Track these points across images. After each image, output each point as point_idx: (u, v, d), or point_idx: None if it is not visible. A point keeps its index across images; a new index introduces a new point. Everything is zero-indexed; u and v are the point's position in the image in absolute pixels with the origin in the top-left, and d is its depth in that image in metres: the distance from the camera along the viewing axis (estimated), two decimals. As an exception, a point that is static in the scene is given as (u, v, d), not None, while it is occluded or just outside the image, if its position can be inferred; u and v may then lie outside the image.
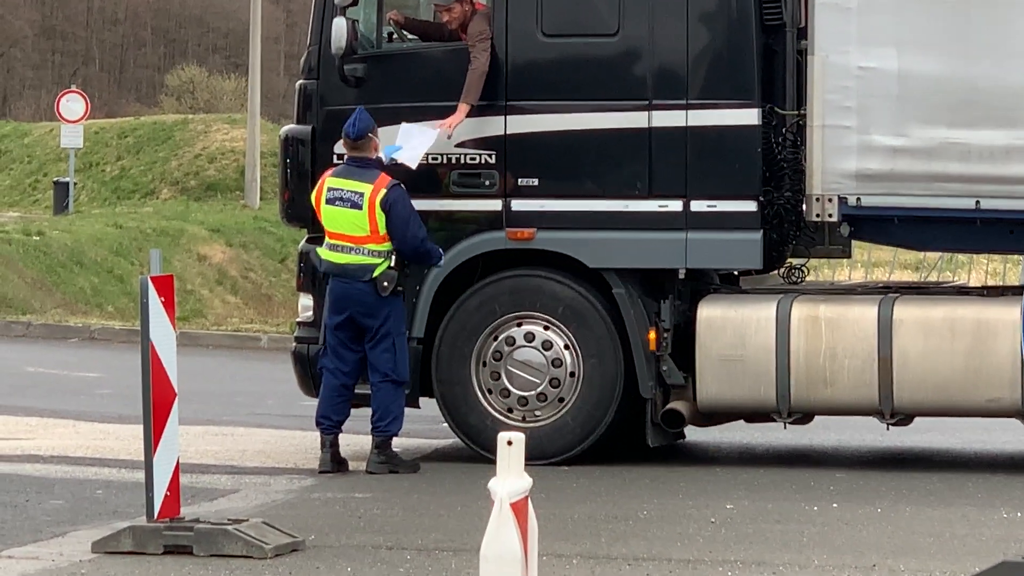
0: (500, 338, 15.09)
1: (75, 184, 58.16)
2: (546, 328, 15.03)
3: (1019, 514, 12.56)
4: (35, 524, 12.34)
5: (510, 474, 5.56)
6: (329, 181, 14.35)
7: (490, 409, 14.97)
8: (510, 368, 15.05)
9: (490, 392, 15.00)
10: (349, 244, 14.47)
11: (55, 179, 59.48)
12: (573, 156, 15.21)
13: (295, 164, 15.62)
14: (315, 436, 15.70)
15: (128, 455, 14.58)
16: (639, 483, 14.57)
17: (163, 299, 11.04)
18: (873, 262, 24.06)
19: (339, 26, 14.59)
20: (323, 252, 14.43)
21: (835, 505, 13.42)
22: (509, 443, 5.16)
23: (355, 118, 14.75)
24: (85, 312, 36.22)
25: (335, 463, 14.09)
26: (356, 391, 15.28)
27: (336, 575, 10.54)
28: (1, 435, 17.33)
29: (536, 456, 13.95)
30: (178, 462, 11.28)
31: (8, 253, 41.33)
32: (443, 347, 15.14)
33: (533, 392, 14.96)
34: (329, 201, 14.30)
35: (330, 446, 14.05)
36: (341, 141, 14.85)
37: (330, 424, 14.16)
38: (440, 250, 14.95)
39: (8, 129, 73.39)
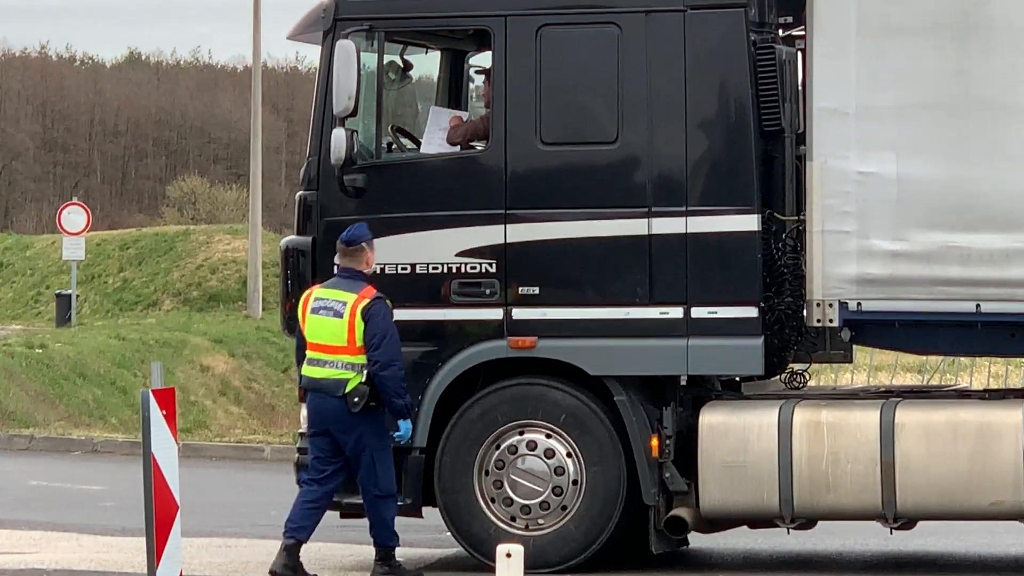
0: (502, 447, 14.92)
1: (77, 296, 58.49)
2: (548, 436, 14.87)
3: None
4: None
5: None
6: (316, 292, 14.40)
7: (493, 518, 14.80)
8: (513, 477, 14.89)
9: (493, 501, 14.85)
10: (325, 357, 14.36)
11: (57, 291, 60.35)
12: (573, 264, 15.07)
13: (296, 275, 15.49)
14: (319, 547, 15.67)
15: (132, 568, 14.57)
16: None
17: (164, 412, 11.26)
18: (876, 365, 24.09)
19: (338, 137, 14.61)
20: (304, 368, 14.47)
21: None
22: (508, 555, 5.39)
23: (353, 227, 14.75)
24: (88, 424, 36.31)
25: (288, 569, 13.91)
26: (347, 500, 15.18)
27: None
28: (4, 549, 17.31)
29: (539, 565, 14.35)
30: (181, 575, 11.50)
31: (11, 366, 41.63)
32: (446, 456, 14.95)
33: (536, 501, 14.81)
34: (313, 311, 14.30)
35: (285, 549, 13.88)
36: (340, 253, 14.76)
37: (293, 528, 13.95)
38: (409, 407, 14.74)
39: (10, 242, 74.51)
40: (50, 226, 69.39)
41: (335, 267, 14.73)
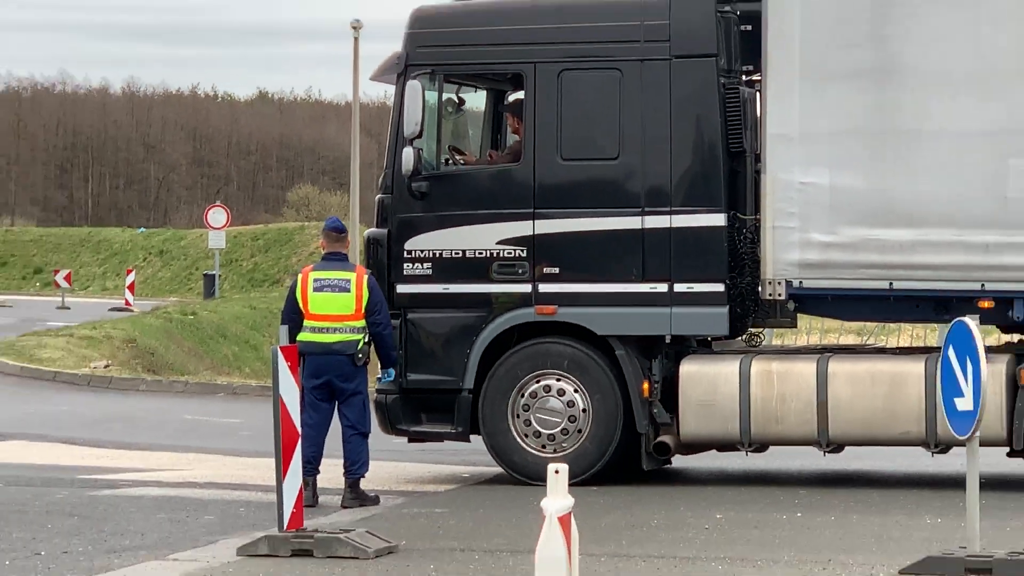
0: (526, 394, 14.90)
1: (219, 276, 58.08)
2: (558, 380, 14.88)
3: (940, 520, 12.66)
4: (193, 535, 12.62)
5: (557, 495, 5.65)
6: (313, 275, 14.11)
7: (528, 449, 14.86)
8: (538, 415, 14.84)
9: (526, 436, 14.84)
10: (335, 324, 13.95)
11: (204, 272, 59.78)
12: (585, 250, 15.03)
13: (375, 258, 15.43)
14: (404, 466, 16.61)
15: (263, 481, 14.56)
16: (647, 500, 14.65)
17: (289, 364, 11.09)
18: (825, 329, 23.52)
19: (407, 153, 14.57)
20: (305, 335, 13.88)
21: (799, 515, 13.45)
22: (556, 472, 5.14)
23: (335, 219, 15.18)
24: (229, 373, 34.97)
25: (315, 498, 13.80)
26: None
27: (422, 572, 10.72)
28: (167, 467, 17.66)
29: (568, 478, 14.16)
30: (302, 486, 11.50)
31: (170, 328, 40.90)
32: (486, 406, 15.04)
33: (558, 430, 14.79)
34: (316, 289, 13.92)
35: (312, 485, 13.71)
36: (323, 238, 15.01)
37: (311, 468, 13.64)
38: (395, 359, 14.80)
39: (168, 235, 74.41)
40: (198, 222, 67.64)
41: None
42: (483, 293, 14.78)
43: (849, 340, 22.68)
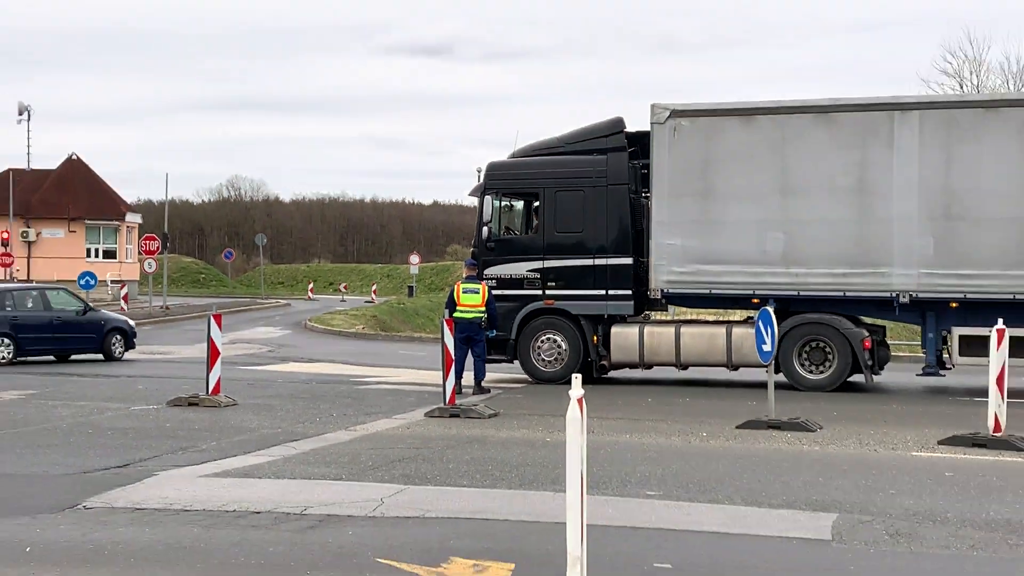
0: (537, 340, 20.25)
1: (415, 286, 71.81)
2: (553, 334, 20.30)
3: (754, 403, 16.26)
4: (404, 407, 16.84)
5: (576, 387, 5.89)
6: (462, 285, 18.51)
7: (539, 365, 20.40)
8: (542, 347, 20.41)
9: (538, 360, 20.35)
10: (472, 309, 18.50)
11: (408, 284, 75.81)
12: (568, 275, 20.17)
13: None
14: (499, 375, 21.10)
15: (435, 382, 17.97)
16: (611, 391, 18.91)
17: (448, 327, 15.54)
18: (679, 312, 23.38)
19: (485, 230, 20.39)
20: (457, 314, 17.97)
21: (687, 399, 18.13)
22: (576, 377, 5.93)
23: (470, 259, 20.04)
24: (419, 331, 42.70)
25: (460, 391, 16.48)
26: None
27: (510, 426, 14.54)
28: (391, 375, 22.30)
29: (556, 379, 19.77)
30: (455, 386, 15.79)
31: (392, 310, 51.22)
32: (520, 346, 20.27)
33: (553, 357, 20.29)
34: (464, 292, 18.38)
35: (458, 383, 16.36)
36: (464, 267, 19.82)
37: (458, 375, 16.49)
38: (497, 324, 18.75)
39: (391, 268, 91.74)
40: (405, 260, 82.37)
41: (465, 276, 19.34)
42: (519, 295, 20.41)
43: (690, 316, 24.26)
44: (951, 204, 18.94)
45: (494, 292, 19.39)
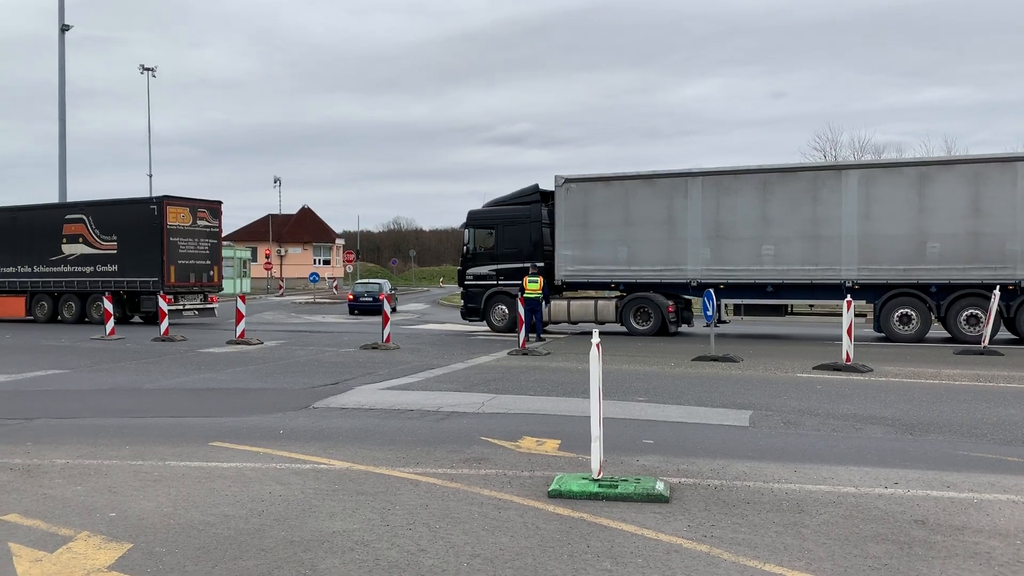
0: (494, 308, 29.69)
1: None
2: (503, 303, 29.46)
3: (701, 346, 20.20)
4: (493, 349, 21.33)
5: (595, 336, 6.84)
6: (528, 278, 25.19)
7: (494, 322, 29.84)
8: (496, 311, 29.85)
9: (494, 318, 29.74)
10: (535, 292, 24.94)
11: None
12: (511, 273, 29.37)
13: (463, 274, 28.32)
14: (563, 335, 27.27)
15: (512, 336, 24.63)
16: (578, 343, 23.72)
17: (520, 301, 25.36)
18: (605, 294, 27.87)
19: (466, 248, 29.79)
20: (526, 294, 24.34)
21: (661, 343, 22.75)
22: (595, 331, 6.83)
23: (530, 265, 26.42)
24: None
25: (529, 340, 21.12)
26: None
27: (557, 360, 18.60)
28: (484, 331, 29.44)
29: (504, 330, 29.80)
30: (525, 337, 21.31)
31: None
32: (485, 312, 29.11)
33: (501, 318, 29.71)
34: (530, 282, 24.62)
35: (526, 335, 20.88)
36: (531, 268, 26.56)
37: (526, 330, 20.98)
38: (549, 300, 25.58)
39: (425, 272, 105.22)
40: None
41: (531, 272, 26.24)
42: (485, 284, 30.33)
43: (579, 295, 29.64)
44: (719, 229, 27.97)
45: (470, 284, 29.05)
